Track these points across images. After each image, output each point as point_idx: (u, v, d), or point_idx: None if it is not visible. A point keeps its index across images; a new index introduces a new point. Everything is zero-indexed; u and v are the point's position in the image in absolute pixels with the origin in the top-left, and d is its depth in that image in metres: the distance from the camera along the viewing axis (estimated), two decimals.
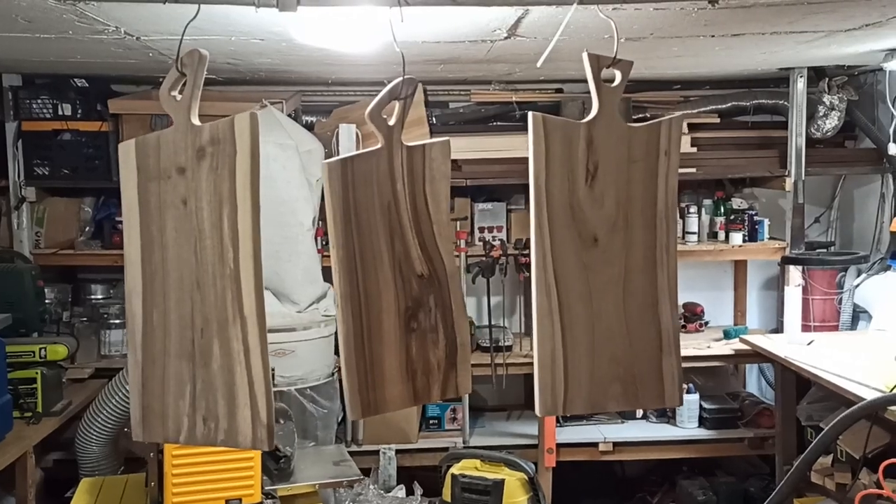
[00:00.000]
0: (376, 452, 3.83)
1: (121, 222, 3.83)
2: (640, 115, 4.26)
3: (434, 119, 4.15)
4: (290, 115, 3.89)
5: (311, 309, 3.29)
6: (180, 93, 1.62)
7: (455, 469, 3.20)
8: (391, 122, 1.66)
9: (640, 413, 4.18)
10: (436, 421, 4.04)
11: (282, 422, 2.91)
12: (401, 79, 1.66)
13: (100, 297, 3.93)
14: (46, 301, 3.79)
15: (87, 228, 3.81)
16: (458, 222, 3.87)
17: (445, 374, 1.74)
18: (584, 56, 1.70)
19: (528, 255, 3.77)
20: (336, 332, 3.40)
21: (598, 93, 1.70)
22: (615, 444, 3.96)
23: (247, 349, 1.56)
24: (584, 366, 1.72)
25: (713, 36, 2.69)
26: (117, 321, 3.84)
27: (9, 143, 3.66)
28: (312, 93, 4.15)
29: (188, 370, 1.64)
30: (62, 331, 3.73)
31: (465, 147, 3.91)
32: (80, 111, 3.61)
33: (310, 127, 4.01)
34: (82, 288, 3.96)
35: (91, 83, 3.71)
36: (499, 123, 4.25)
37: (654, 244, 1.73)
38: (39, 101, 3.60)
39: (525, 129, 4.15)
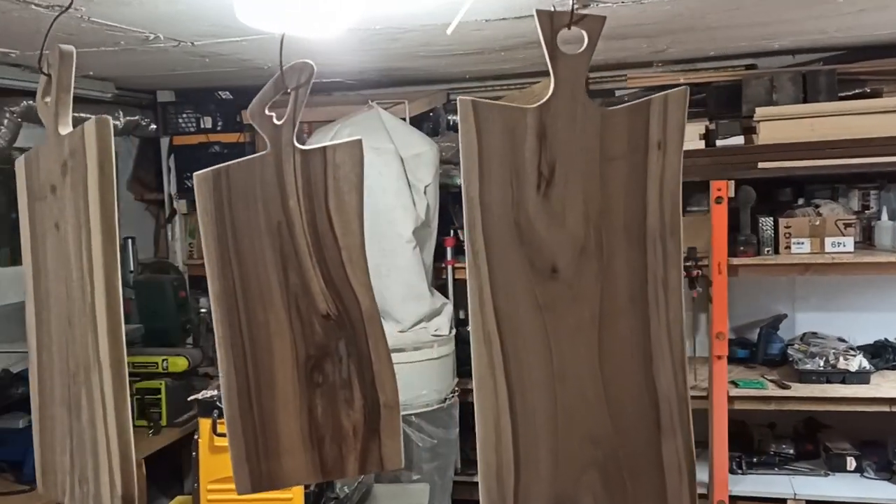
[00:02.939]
0: None
1: None
2: (858, 91, 3.41)
3: None
4: (427, 115, 3.62)
5: (417, 328, 2.98)
6: None
7: None
8: (278, 120, 1.30)
9: (852, 464, 3.34)
10: None
11: None
12: (290, 65, 1.29)
13: None
14: (202, 311, 3.86)
15: None
16: None
17: (365, 442, 1.34)
18: (535, 13, 1.23)
19: (699, 268, 3.16)
20: (454, 353, 3.07)
21: (554, 64, 1.21)
22: (810, 503, 3.19)
23: (104, 402, 1.30)
24: (543, 444, 1.25)
25: None
26: None
27: (163, 157, 3.77)
28: (462, 90, 3.83)
29: (67, 421, 1.42)
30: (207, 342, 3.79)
31: None
32: (220, 123, 3.62)
33: (455, 127, 3.70)
34: None
35: (235, 95, 3.70)
36: None
37: (643, 276, 1.21)
38: (185, 115, 3.66)
39: (690, 115, 3.47)
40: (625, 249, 1.22)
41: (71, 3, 1.44)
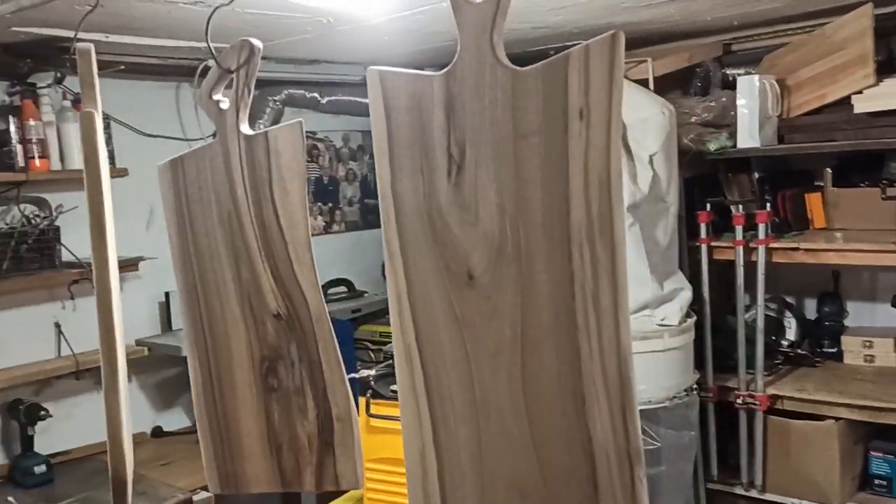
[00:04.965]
0: None
1: None
2: None
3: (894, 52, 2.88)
4: (693, 72, 3.19)
5: (639, 315, 2.64)
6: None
7: None
8: (225, 105, 1.21)
9: None
10: (884, 482, 2.85)
11: None
12: (231, 45, 1.19)
13: None
14: None
15: None
16: None
17: (320, 456, 1.23)
18: None
19: None
20: (691, 344, 2.71)
21: (458, 17, 0.97)
22: None
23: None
24: (469, 487, 1.05)
25: None
26: None
27: None
28: (745, 38, 3.30)
29: None
30: None
31: None
32: None
33: (732, 84, 3.20)
34: None
35: None
36: None
37: (570, 290, 0.92)
38: None
39: None
40: (546, 253, 0.93)
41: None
